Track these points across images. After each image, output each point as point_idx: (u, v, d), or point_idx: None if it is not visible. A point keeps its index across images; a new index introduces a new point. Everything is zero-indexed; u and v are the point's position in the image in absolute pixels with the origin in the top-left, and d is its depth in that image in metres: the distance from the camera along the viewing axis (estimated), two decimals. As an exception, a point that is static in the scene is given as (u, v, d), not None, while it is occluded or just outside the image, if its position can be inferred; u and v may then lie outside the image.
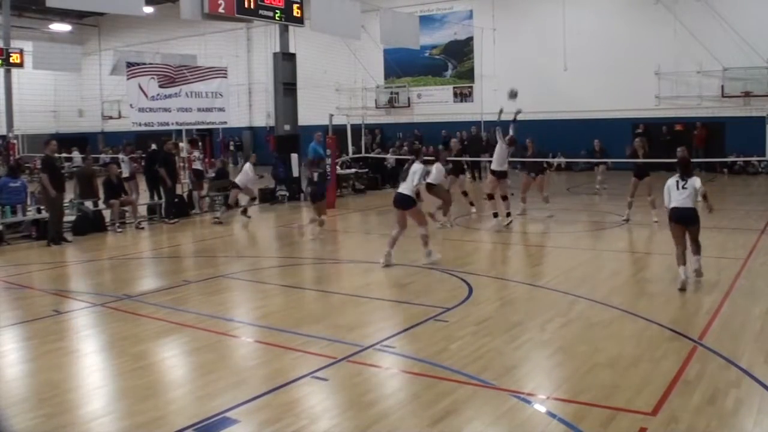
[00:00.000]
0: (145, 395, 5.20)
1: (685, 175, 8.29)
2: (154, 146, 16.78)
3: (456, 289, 8.32)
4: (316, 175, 12.76)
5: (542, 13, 25.94)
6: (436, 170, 12.57)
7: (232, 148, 33.90)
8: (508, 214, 12.93)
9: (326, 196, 12.99)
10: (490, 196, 13.37)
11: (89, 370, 5.94)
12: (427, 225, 10.03)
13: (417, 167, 9.68)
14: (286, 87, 18.83)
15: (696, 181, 8.23)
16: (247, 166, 15.81)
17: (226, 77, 17.15)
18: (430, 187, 12.52)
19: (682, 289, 7.89)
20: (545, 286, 8.45)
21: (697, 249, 8.29)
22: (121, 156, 17.63)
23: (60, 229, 12.55)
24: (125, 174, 16.02)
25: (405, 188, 9.66)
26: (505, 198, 13.03)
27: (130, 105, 15.38)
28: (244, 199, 15.63)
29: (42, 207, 12.88)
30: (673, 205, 8.26)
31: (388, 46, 26.33)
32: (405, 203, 9.63)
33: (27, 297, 8.66)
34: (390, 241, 9.73)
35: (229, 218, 15.18)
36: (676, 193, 8.25)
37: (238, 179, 15.50)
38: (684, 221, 8.18)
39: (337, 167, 18.82)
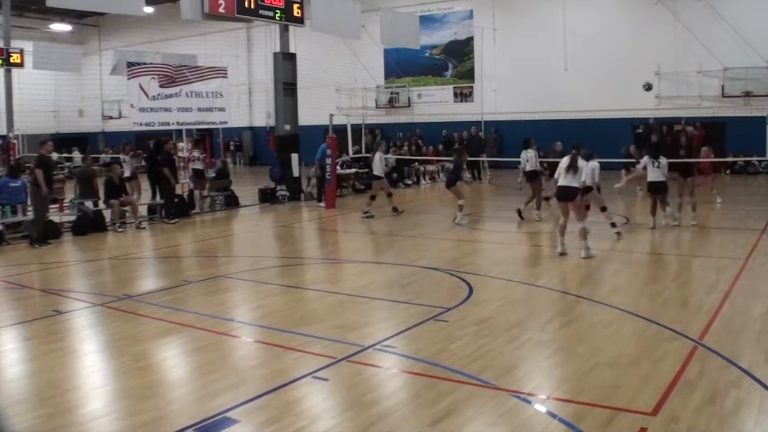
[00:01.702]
0: (145, 395, 5.20)
1: (658, 157, 11.75)
2: (151, 145, 16.80)
3: (456, 289, 8.32)
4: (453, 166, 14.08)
5: (542, 13, 25.94)
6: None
7: (232, 148, 33.94)
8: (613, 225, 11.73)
9: (455, 185, 13.79)
10: (603, 209, 12.14)
11: (89, 370, 5.94)
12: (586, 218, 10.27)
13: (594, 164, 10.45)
14: (286, 87, 18.83)
15: (663, 160, 11.86)
16: (378, 156, 15.41)
17: (226, 77, 17.14)
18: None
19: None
20: (545, 286, 8.45)
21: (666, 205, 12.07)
22: (122, 156, 17.64)
23: (41, 228, 12.32)
24: (127, 174, 16.03)
25: (571, 181, 9.95)
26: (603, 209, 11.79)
27: (131, 105, 15.36)
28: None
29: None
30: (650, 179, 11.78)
31: (388, 46, 26.34)
32: (571, 196, 9.98)
33: (27, 297, 8.66)
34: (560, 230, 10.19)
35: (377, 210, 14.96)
36: (652, 170, 11.70)
37: (378, 171, 15.27)
38: (659, 190, 11.79)
39: (337, 167, 18.82)
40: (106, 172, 15.67)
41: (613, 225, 11.59)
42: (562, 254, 10.01)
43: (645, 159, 12.22)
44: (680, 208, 12.85)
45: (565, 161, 10.05)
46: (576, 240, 10.04)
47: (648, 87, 18.15)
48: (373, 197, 15.13)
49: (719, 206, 14.78)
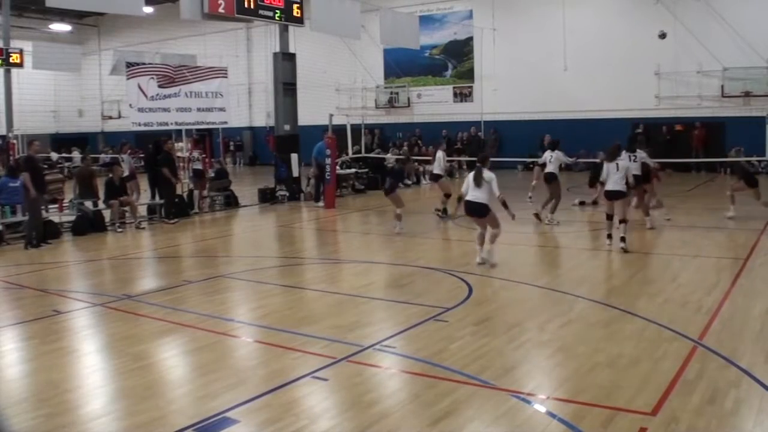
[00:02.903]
0: (145, 395, 5.20)
1: (613, 158, 10.62)
2: (150, 146, 16.80)
3: (456, 289, 8.32)
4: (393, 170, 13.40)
5: (542, 13, 25.94)
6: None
7: (232, 148, 33.93)
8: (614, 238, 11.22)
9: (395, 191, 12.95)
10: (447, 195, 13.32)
11: (89, 370, 5.94)
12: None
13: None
14: (286, 87, 18.83)
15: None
16: (439, 154, 15.12)
17: (226, 77, 17.14)
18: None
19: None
20: (545, 286, 8.45)
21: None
22: (121, 156, 17.63)
23: (34, 231, 12.19)
24: (125, 173, 16.02)
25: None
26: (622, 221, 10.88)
27: (130, 105, 15.36)
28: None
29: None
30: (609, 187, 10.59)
31: (388, 46, 26.35)
32: (481, 212, 9.49)
33: (27, 297, 8.65)
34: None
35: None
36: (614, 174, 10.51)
37: (438, 170, 14.96)
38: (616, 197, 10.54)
39: (337, 167, 18.82)
40: (106, 172, 15.67)
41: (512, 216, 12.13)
42: (482, 263, 9.47)
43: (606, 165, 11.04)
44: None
45: (470, 176, 9.52)
46: (569, 239, 10.03)
47: (662, 35, 18.15)
48: (447, 195, 14.37)
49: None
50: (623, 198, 10.53)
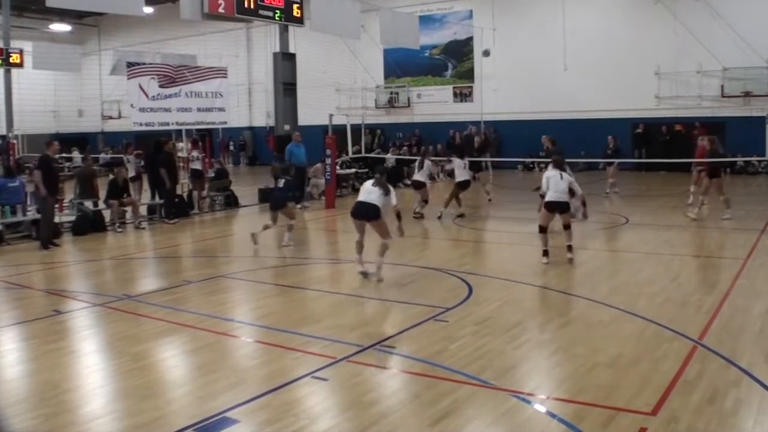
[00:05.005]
0: (145, 395, 5.20)
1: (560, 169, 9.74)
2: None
3: (456, 289, 8.32)
4: (281, 182, 11.59)
5: (542, 13, 25.94)
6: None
7: (232, 148, 33.93)
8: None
9: (287, 205, 11.82)
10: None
11: (89, 370, 5.94)
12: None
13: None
14: (286, 87, 18.83)
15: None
16: (428, 163, 14.79)
17: (226, 77, 17.14)
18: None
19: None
20: (545, 286, 8.45)
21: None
22: (126, 156, 17.64)
23: (48, 232, 12.18)
24: (131, 174, 16.03)
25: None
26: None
27: (131, 105, 15.37)
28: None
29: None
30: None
31: (388, 46, 26.33)
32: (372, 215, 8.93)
33: (27, 297, 8.65)
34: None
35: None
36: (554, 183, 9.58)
37: (422, 178, 14.61)
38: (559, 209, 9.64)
39: (337, 167, 18.82)
40: (107, 172, 15.68)
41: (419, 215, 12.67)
42: (363, 273, 8.99)
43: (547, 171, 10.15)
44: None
45: (369, 181, 9.20)
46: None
47: (486, 53, 16.64)
48: (426, 201, 14.33)
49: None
50: (567, 211, 9.69)
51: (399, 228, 9.02)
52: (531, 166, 25.25)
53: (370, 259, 9.04)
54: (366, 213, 8.87)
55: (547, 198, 9.66)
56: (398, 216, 9.04)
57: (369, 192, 8.92)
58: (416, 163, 15.01)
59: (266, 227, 11.51)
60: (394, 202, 8.91)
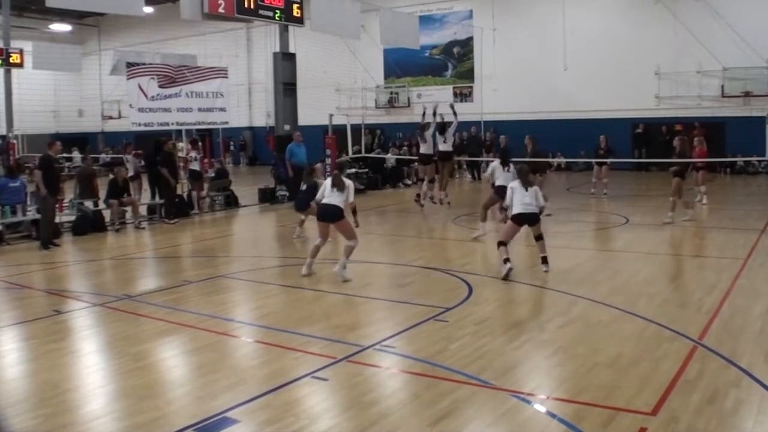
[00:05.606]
0: (145, 395, 5.20)
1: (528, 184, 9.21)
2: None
3: (456, 289, 8.32)
4: (305, 186, 11.61)
5: (542, 13, 25.93)
6: None
7: (232, 148, 33.92)
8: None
9: (310, 206, 11.49)
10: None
11: (89, 370, 5.94)
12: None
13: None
14: (286, 87, 18.84)
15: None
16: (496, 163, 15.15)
17: (226, 77, 17.15)
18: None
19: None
20: (545, 286, 8.45)
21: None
22: (125, 156, 17.64)
23: (48, 232, 12.18)
24: (130, 173, 16.03)
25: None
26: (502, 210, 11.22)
27: (130, 105, 15.37)
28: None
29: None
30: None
31: (388, 46, 26.33)
32: (335, 216, 9.04)
33: (27, 297, 8.66)
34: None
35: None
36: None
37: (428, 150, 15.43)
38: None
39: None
40: (107, 172, 15.69)
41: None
42: (308, 275, 9.15)
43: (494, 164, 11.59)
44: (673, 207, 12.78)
45: (329, 180, 9.19)
46: (569, 239, 10.02)
47: (452, 106, 16.13)
48: (431, 180, 15.51)
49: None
50: (537, 222, 9.18)
51: (354, 222, 9.17)
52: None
53: (335, 258, 9.12)
54: (331, 215, 8.98)
55: (516, 210, 9.12)
56: (354, 211, 9.11)
57: (329, 194, 8.99)
58: (429, 131, 15.30)
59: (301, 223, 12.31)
60: (351, 200, 8.98)
